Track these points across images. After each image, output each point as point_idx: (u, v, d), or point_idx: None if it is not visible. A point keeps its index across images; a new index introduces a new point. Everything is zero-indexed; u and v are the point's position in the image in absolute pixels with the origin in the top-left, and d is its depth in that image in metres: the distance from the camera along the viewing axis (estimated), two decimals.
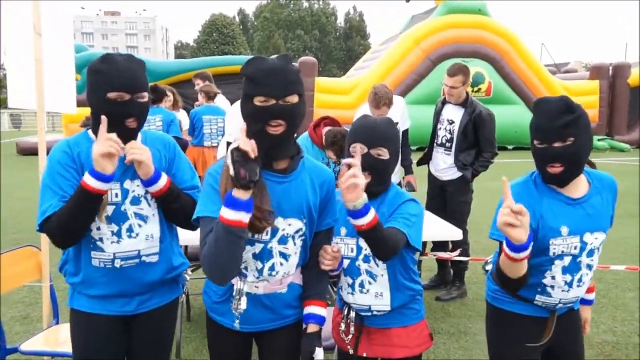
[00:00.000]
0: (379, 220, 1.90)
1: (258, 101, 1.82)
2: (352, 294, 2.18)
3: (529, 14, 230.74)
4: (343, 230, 2.17)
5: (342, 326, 2.20)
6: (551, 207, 2.09)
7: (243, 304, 1.94)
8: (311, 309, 2.03)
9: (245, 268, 1.96)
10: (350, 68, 24.06)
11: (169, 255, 2.17)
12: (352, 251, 2.15)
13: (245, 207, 1.71)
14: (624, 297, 5.04)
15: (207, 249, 1.78)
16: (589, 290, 2.32)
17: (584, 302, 2.36)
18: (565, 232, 2.07)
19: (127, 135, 2.01)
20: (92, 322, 2.10)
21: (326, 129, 4.46)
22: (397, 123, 2.51)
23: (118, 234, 2.03)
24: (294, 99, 1.84)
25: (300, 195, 1.95)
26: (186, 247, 4.02)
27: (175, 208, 2.10)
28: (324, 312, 2.05)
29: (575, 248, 2.09)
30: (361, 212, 1.84)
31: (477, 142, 4.83)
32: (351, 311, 2.20)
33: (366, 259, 2.14)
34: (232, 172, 1.69)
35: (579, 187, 2.11)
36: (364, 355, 2.21)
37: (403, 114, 5.14)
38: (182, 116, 7.40)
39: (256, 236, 1.91)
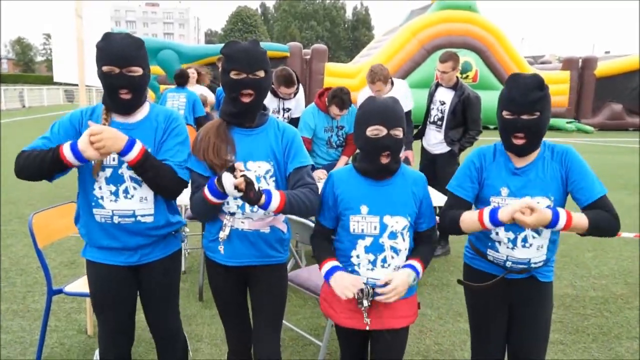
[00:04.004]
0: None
1: (233, 74, 1.94)
2: (373, 269, 1.98)
3: (512, 12, 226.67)
4: (364, 209, 1.98)
5: (366, 303, 1.91)
6: (498, 172, 2.05)
7: (227, 230, 2.00)
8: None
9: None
10: (356, 55, 23.70)
11: (164, 216, 2.09)
12: (375, 229, 1.96)
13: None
14: (583, 256, 5.02)
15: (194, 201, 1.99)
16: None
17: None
18: (505, 192, 2.01)
19: (123, 105, 1.97)
20: (103, 271, 2.09)
21: None
22: None
23: (115, 194, 2.00)
24: (261, 73, 1.96)
25: (266, 143, 2.05)
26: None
27: (149, 177, 1.96)
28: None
29: None
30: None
31: (465, 121, 4.74)
32: (368, 287, 1.94)
33: (392, 236, 1.97)
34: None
35: (528, 156, 2.02)
36: (367, 328, 1.98)
37: (407, 96, 4.73)
38: (206, 92, 7.22)
39: None
